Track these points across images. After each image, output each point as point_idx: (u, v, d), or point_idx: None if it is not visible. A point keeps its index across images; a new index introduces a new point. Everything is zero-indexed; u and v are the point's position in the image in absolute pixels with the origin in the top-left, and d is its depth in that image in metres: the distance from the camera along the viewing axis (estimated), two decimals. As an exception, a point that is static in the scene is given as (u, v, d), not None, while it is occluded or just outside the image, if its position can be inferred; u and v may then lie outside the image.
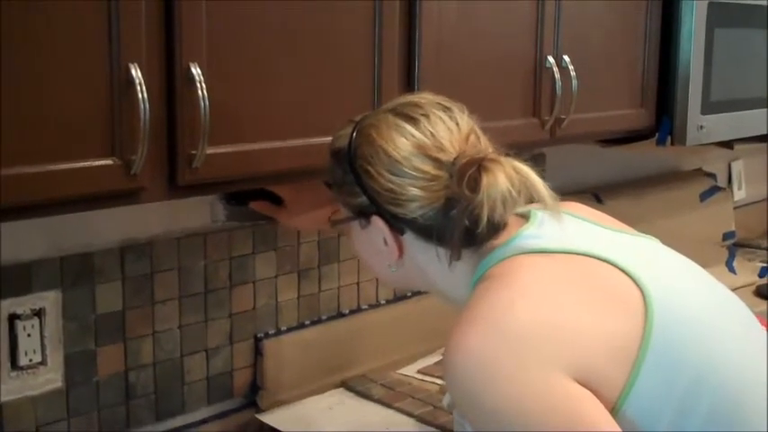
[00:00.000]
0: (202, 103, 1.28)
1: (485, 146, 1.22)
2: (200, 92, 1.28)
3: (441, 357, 2.05)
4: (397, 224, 1.22)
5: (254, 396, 1.89)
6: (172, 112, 1.28)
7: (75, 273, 1.59)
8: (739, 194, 3.28)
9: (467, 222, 1.16)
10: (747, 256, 3.04)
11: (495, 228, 1.19)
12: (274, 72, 1.40)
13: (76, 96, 1.17)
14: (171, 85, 1.28)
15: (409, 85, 1.61)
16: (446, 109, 1.23)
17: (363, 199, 1.23)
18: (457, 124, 1.22)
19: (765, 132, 2.52)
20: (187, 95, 1.28)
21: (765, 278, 2.81)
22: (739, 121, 2.42)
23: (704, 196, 2.98)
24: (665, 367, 1.07)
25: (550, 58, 1.87)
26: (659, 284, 1.12)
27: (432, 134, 1.20)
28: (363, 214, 1.24)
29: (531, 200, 1.17)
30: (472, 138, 1.22)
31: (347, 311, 2.06)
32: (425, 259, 1.24)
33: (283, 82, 1.42)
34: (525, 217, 1.22)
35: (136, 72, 1.20)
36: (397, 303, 2.15)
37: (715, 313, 1.17)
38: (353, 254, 1.38)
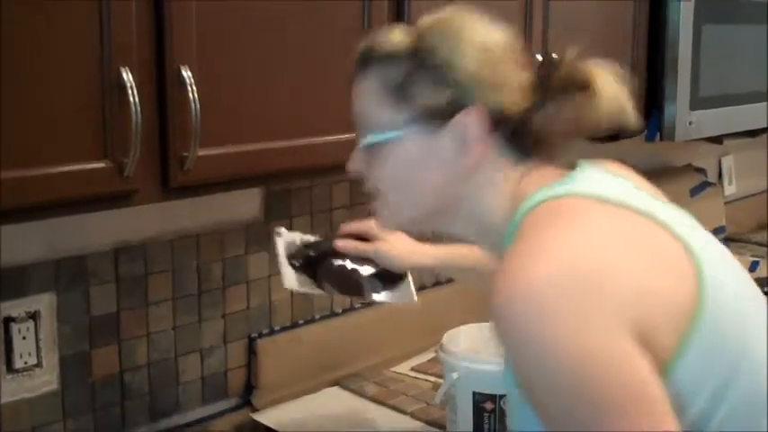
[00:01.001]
0: (193, 106, 1.29)
1: None
2: (190, 94, 1.28)
3: (434, 354, 2.06)
4: (494, 115, 1.12)
5: (248, 395, 1.90)
6: (163, 114, 1.29)
7: (69, 275, 1.60)
8: (729, 189, 3.29)
9: (562, 126, 1.15)
10: (738, 251, 3.05)
11: (593, 133, 1.17)
12: (265, 73, 1.41)
13: (69, 100, 1.18)
14: (162, 88, 1.29)
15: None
16: None
17: (447, 94, 1.11)
18: None
19: (755, 128, 2.53)
20: (178, 98, 1.29)
21: (756, 272, 2.82)
22: (729, 117, 2.42)
23: (694, 192, 2.98)
24: (712, 341, 1.01)
25: (538, 57, 1.88)
26: (708, 257, 1.07)
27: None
28: (438, 116, 1.12)
29: (619, 120, 1.18)
30: None
31: (340, 311, 2.06)
32: (492, 168, 1.14)
33: (274, 83, 1.43)
34: (572, 167, 1.16)
35: (127, 75, 1.21)
36: (389, 301, 2.15)
37: (747, 299, 1.13)
38: (375, 183, 1.17)
